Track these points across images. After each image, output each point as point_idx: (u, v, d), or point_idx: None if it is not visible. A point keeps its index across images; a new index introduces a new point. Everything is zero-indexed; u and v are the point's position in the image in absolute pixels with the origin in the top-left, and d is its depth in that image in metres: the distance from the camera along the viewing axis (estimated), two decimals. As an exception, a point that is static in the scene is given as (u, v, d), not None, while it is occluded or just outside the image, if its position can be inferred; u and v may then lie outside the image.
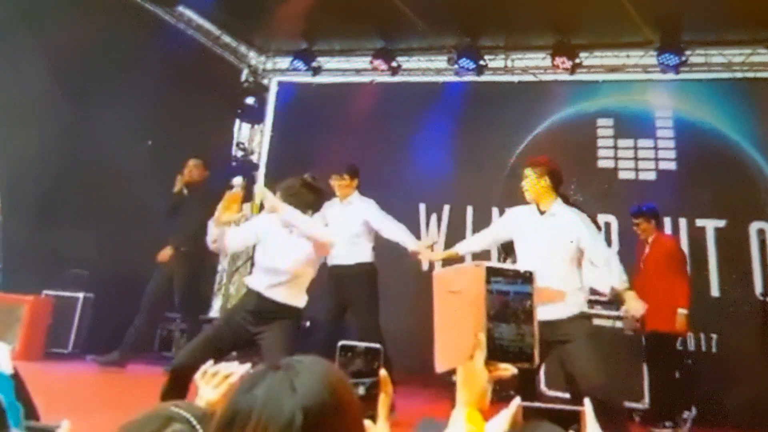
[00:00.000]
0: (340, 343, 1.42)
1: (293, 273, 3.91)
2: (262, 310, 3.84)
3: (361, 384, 1.39)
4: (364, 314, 5.47)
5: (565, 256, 4.06)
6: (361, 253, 5.52)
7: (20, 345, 6.00)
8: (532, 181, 4.14)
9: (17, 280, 6.20)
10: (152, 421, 1.32)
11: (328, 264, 5.37)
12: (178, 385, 3.41)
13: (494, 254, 6.10)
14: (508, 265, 1.38)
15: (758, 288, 6.28)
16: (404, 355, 5.28)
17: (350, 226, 5.48)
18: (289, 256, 3.91)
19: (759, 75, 6.76)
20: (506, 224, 4.44)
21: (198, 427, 1.32)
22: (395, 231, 5.47)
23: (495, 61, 7.86)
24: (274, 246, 3.96)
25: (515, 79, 7.83)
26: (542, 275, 1.61)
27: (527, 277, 1.36)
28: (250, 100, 8.79)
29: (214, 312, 8.27)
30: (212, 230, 4.01)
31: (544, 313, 3.56)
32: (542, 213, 4.16)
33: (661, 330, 5.71)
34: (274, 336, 3.79)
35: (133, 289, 6.37)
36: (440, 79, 8.17)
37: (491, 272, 1.34)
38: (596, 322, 6.14)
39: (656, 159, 6.99)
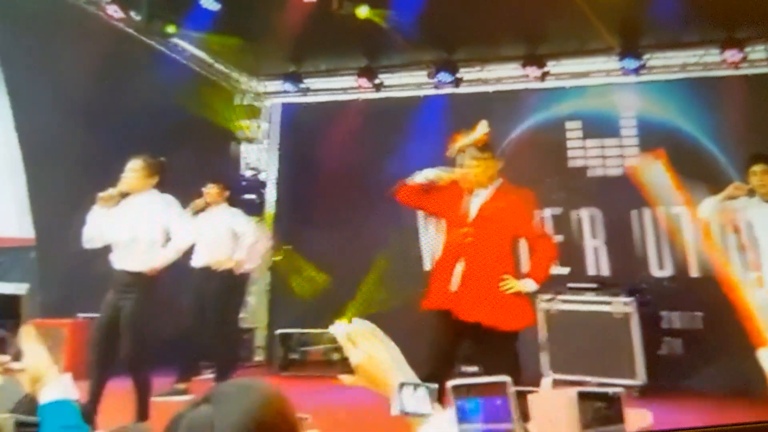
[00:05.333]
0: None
1: None
2: None
3: (339, 350, 1.48)
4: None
5: None
6: None
7: (65, 366, 6.45)
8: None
9: (54, 304, 6.66)
10: None
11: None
12: None
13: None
14: (596, 390, 1.40)
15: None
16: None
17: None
18: None
19: (712, 74, 7.25)
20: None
21: None
22: None
23: (470, 74, 8.36)
24: None
25: (490, 89, 8.33)
26: None
27: (617, 400, 1.36)
28: (246, 123, 9.36)
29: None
30: None
31: None
32: None
33: None
34: None
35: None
36: (421, 93, 8.69)
37: (583, 397, 1.34)
38: (590, 308, 6.71)
39: (622, 156, 7.50)
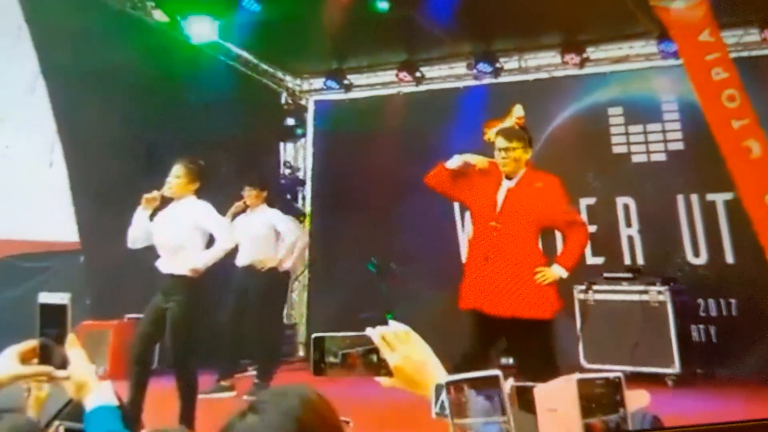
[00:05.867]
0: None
1: None
2: None
3: (374, 353, 1.49)
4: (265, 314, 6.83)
5: None
6: None
7: (110, 367, 6.74)
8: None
9: (102, 307, 6.98)
10: None
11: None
12: None
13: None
14: (595, 375, 1.33)
15: (768, 252, 6.76)
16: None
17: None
18: None
19: (752, 54, 7.18)
20: None
21: None
22: None
23: (510, 63, 8.44)
24: None
25: (530, 77, 8.39)
26: None
27: (617, 383, 1.30)
28: (291, 121, 9.60)
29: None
30: None
31: None
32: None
33: None
34: None
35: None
36: (461, 84, 8.79)
37: (583, 384, 1.29)
38: (624, 297, 6.77)
39: (665, 141, 7.50)
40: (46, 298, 1.82)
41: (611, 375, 1.30)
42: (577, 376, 1.29)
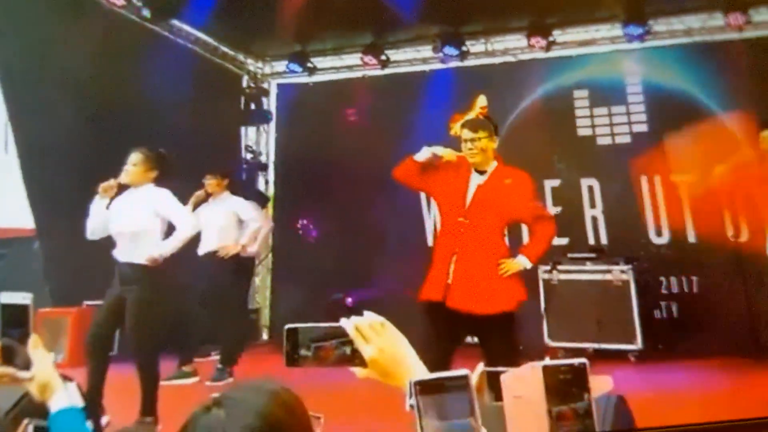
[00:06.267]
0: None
1: None
2: None
3: (348, 344, 1.46)
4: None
5: None
6: None
7: (68, 354, 6.57)
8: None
9: (61, 294, 6.81)
10: None
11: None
12: None
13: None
14: (560, 362, 1.34)
15: (729, 231, 6.91)
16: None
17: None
18: None
19: (716, 38, 7.32)
20: None
21: None
22: None
23: (476, 46, 8.43)
24: None
25: (496, 60, 8.40)
26: None
27: (581, 370, 1.32)
28: (252, 105, 9.45)
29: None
30: None
31: None
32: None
33: None
34: None
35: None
36: (427, 67, 8.75)
37: (548, 371, 1.31)
38: (588, 277, 6.85)
39: (629, 123, 7.59)
40: (7, 298, 1.81)
41: (576, 362, 1.31)
42: (543, 363, 1.30)
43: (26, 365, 1.74)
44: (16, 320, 1.79)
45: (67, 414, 1.70)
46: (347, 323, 1.46)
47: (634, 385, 4.95)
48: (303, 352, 1.46)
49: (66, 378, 1.83)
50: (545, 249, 4.56)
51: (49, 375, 1.74)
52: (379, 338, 1.44)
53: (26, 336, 1.78)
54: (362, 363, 1.44)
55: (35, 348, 1.77)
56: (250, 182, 9.29)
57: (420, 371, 1.39)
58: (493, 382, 1.47)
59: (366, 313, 1.47)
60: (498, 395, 1.45)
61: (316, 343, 1.45)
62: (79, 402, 1.76)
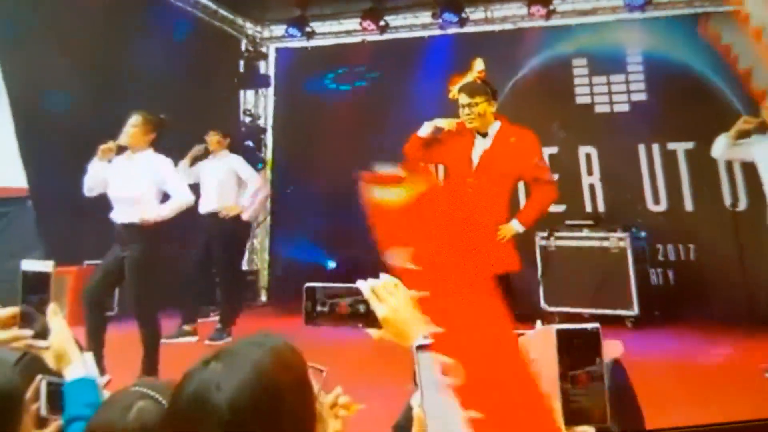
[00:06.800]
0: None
1: None
2: None
3: (363, 303, 1.53)
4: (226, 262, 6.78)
5: None
6: None
7: (68, 312, 6.64)
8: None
9: (62, 253, 6.78)
10: (123, 399, 1.46)
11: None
12: None
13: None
14: (575, 326, 1.34)
15: (727, 200, 6.99)
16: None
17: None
18: None
19: (717, 9, 7.31)
20: None
21: (162, 401, 1.42)
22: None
23: (476, 13, 8.39)
24: None
25: (495, 28, 8.38)
26: None
27: (595, 334, 1.32)
28: (251, 68, 9.41)
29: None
30: None
31: None
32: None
33: None
34: None
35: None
36: (426, 33, 8.74)
37: (562, 335, 1.32)
38: (585, 243, 6.92)
39: (628, 92, 7.62)
40: (28, 265, 1.81)
41: (589, 326, 1.32)
42: (556, 326, 1.32)
43: (44, 332, 1.75)
44: (36, 287, 1.80)
45: (81, 384, 1.70)
46: (362, 284, 1.52)
47: (630, 351, 5.01)
48: (320, 308, 1.54)
49: (83, 348, 1.82)
50: (541, 214, 4.64)
51: (66, 345, 1.74)
52: (392, 298, 1.49)
53: (45, 303, 1.79)
54: (376, 322, 1.50)
55: (54, 316, 1.78)
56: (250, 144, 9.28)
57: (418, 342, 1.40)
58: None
59: (381, 275, 1.51)
60: None
61: (332, 299, 1.54)
62: (95, 373, 1.76)
